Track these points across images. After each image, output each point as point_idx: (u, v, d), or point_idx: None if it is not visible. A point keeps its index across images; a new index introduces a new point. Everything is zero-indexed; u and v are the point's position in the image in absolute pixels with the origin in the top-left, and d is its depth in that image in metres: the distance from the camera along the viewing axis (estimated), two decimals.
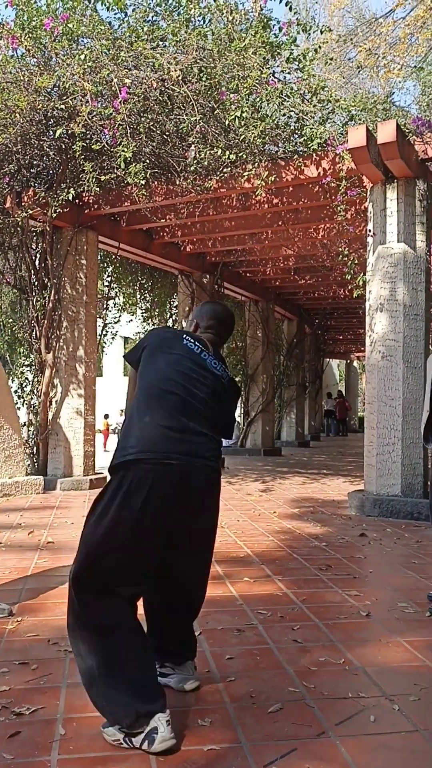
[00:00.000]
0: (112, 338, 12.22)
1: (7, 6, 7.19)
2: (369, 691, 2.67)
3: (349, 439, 23.13)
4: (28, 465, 8.71)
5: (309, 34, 7.11)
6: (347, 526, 6.29)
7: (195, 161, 6.91)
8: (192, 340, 2.64)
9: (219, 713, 2.47)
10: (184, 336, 2.66)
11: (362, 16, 15.70)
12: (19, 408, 8.78)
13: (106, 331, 11.77)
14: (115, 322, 12.18)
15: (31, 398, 9.04)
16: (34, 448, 8.92)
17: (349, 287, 7.43)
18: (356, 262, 7.21)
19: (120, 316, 12.71)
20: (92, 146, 6.86)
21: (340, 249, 7.16)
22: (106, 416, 25.27)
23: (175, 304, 13.35)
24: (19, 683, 2.72)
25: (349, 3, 15.01)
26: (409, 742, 2.28)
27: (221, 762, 2.13)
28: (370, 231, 7.09)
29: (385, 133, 6.26)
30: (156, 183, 7.85)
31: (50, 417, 8.83)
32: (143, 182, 6.82)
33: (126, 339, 25.33)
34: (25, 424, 8.95)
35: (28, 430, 9.00)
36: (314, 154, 7.06)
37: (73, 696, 2.60)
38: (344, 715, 2.45)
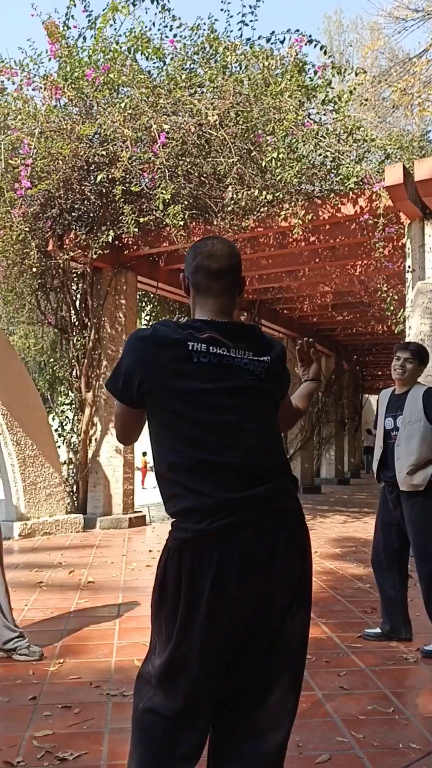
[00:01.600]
0: None
1: (50, 59, 7.50)
2: (420, 741, 2.57)
3: None
4: (68, 503, 8.74)
5: (344, 76, 7.24)
6: None
7: (232, 202, 7.01)
8: (205, 346, 1.68)
9: None
10: (190, 344, 1.67)
11: (395, 56, 15.92)
12: (59, 446, 8.87)
13: None
14: None
15: (71, 437, 9.12)
16: (74, 487, 8.96)
17: (389, 323, 7.38)
18: (395, 298, 7.17)
19: None
20: (132, 189, 7.03)
21: (379, 285, 7.14)
22: (144, 453, 25.32)
23: None
24: (62, 727, 2.69)
25: (382, 44, 15.25)
26: None
27: None
28: (408, 267, 7.07)
29: (423, 170, 6.29)
30: (194, 223, 7.97)
31: (90, 455, 8.89)
32: (181, 223, 6.94)
33: None
34: (65, 463, 9.01)
35: (68, 469, 9.06)
36: (351, 193, 7.10)
37: (117, 742, 2.55)
38: (396, 767, 2.36)
